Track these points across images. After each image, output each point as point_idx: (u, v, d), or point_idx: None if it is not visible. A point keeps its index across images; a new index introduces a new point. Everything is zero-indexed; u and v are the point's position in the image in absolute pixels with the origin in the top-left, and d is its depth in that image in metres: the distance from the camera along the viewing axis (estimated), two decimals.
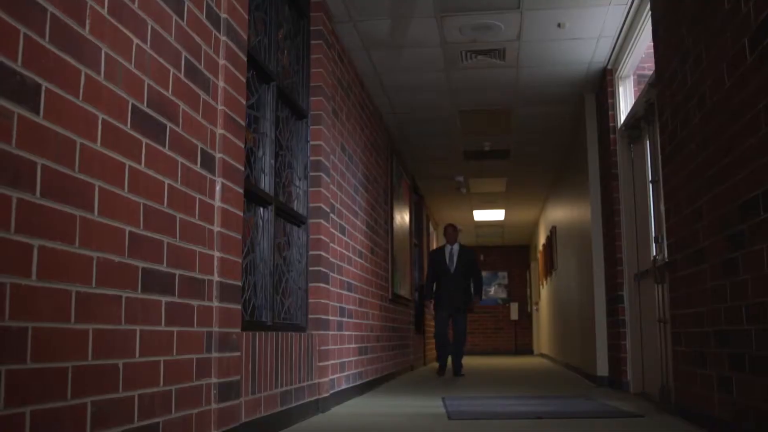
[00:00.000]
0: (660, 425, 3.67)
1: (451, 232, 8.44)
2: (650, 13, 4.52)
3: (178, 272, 2.45)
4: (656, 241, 4.89)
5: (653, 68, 5.83)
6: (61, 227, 1.81)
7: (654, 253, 4.94)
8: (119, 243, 2.09)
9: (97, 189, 1.98)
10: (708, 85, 3.34)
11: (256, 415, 3.20)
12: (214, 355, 2.72)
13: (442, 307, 8.19)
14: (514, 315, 17.49)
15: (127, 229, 2.14)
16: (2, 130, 1.60)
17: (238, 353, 2.94)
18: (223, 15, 2.95)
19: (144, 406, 2.20)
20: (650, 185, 5.09)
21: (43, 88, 1.76)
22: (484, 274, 17.81)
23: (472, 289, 8.38)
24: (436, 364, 11.02)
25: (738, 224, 3.00)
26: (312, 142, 4.57)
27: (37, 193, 1.72)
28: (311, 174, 4.55)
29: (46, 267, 1.74)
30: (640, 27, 5.13)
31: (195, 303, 2.59)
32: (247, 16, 3.21)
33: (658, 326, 4.88)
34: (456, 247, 8.39)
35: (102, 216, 2.00)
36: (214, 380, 2.71)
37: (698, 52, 3.46)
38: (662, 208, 4.75)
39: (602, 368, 6.43)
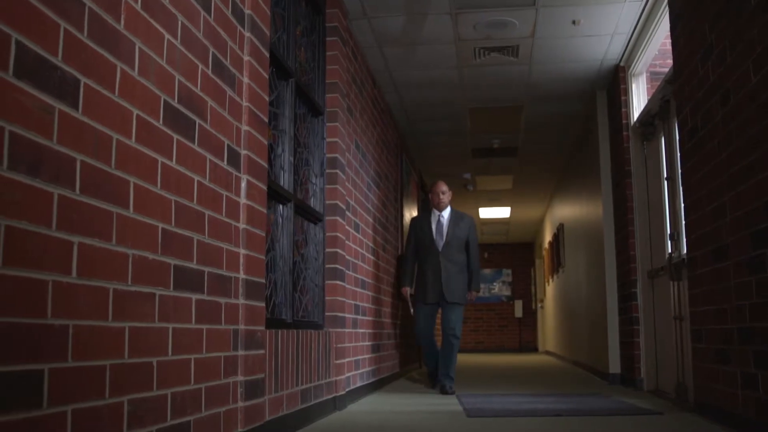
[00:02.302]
0: (681, 422, 3.65)
1: (438, 192, 5.86)
2: (668, 9, 4.50)
3: (207, 270, 2.44)
4: (672, 239, 4.87)
5: (666, 65, 5.82)
6: (98, 224, 1.79)
7: (669, 251, 4.92)
8: (153, 240, 2.07)
9: (132, 185, 1.96)
10: (732, 82, 3.32)
11: (278, 413, 3.19)
12: (240, 353, 2.71)
13: (424, 297, 5.74)
14: (519, 312, 17.48)
15: (160, 226, 2.12)
16: (45, 125, 1.59)
17: (262, 351, 2.93)
18: (248, 11, 2.93)
19: (176, 405, 2.18)
20: (665, 182, 5.07)
21: (82, 83, 1.74)
22: (488, 271, 17.77)
23: (468, 275, 5.83)
24: None
25: (764, 222, 2.98)
26: (328, 139, 4.55)
27: (77, 190, 1.70)
28: (327, 171, 4.53)
29: (85, 264, 1.72)
30: (656, 23, 5.10)
31: (222, 300, 2.57)
32: (269, 12, 3.19)
33: (673, 323, 4.87)
34: (447, 213, 5.87)
35: (137, 213, 1.98)
36: (240, 378, 2.70)
37: (722, 49, 3.44)
38: (678, 205, 4.73)
39: (614, 366, 6.41)
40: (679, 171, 4.47)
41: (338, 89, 4.63)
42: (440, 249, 5.76)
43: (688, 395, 4.51)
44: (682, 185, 4.26)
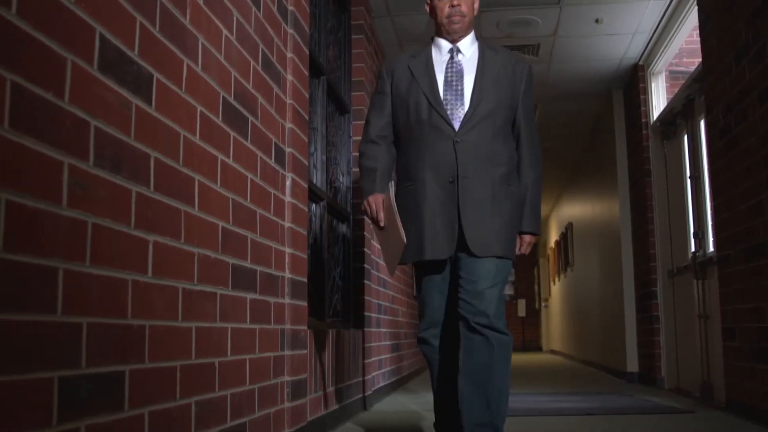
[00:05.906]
0: (716, 421, 3.63)
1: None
2: (695, 8, 4.48)
3: (258, 269, 2.41)
4: (696, 237, 4.86)
5: (683, 64, 5.81)
6: (169, 222, 1.76)
7: (693, 249, 4.90)
8: (214, 239, 2.04)
9: (196, 183, 1.93)
10: None
11: (318, 414, 3.16)
12: (287, 353, 2.68)
13: (420, 248, 2.41)
14: (522, 311, 17.47)
15: (220, 224, 2.09)
16: (124, 121, 1.56)
17: (305, 351, 2.90)
18: (290, 8, 2.90)
19: (234, 406, 2.15)
20: (688, 181, 5.05)
21: (155, 78, 1.71)
22: None
23: (526, 184, 2.58)
24: None
25: None
26: (354, 138, 4.52)
27: (151, 187, 1.67)
28: (353, 170, 4.50)
29: (158, 263, 1.69)
30: (680, 22, 5.09)
31: (272, 300, 2.54)
32: (308, 9, 3.16)
33: (697, 322, 4.85)
34: (470, 47, 2.57)
35: (201, 211, 1.95)
36: (287, 378, 2.67)
37: (760, 47, 3.42)
38: (704, 203, 4.72)
39: (632, 364, 6.40)
40: (706, 169, 4.46)
41: (364, 87, 4.61)
42: (457, 128, 2.47)
43: (715, 394, 4.50)
44: (710, 184, 4.24)
